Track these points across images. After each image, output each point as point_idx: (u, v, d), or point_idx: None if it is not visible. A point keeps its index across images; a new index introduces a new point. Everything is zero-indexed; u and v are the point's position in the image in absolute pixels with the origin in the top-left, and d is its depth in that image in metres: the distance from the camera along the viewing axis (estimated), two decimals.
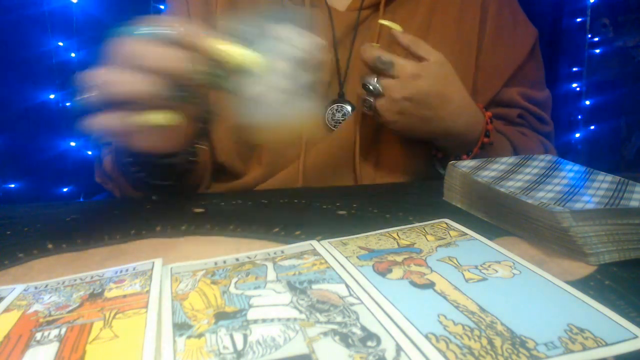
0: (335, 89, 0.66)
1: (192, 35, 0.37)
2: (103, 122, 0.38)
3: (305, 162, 0.63)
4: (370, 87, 0.56)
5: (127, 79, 0.36)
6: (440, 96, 0.57)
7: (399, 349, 0.23)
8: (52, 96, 1.62)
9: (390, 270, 0.32)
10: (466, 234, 0.37)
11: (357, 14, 0.66)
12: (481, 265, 0.32)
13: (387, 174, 0.65)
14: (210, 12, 0.68)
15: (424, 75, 0.55)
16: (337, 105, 0.65)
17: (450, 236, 0.37)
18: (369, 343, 0.24)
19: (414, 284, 0.30)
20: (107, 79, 0.36)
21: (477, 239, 0.36)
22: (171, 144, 0.48)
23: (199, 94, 0.39)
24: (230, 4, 0.68)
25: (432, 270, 0.31)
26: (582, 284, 0.31)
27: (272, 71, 0.38)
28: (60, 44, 1.61)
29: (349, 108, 0.65)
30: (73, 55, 1.61)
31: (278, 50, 0.38)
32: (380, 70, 0.55)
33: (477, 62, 0.68)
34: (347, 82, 0.66)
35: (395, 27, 0.58)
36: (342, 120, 0.65)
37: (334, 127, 0.65)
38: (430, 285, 0.30)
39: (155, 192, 0.55)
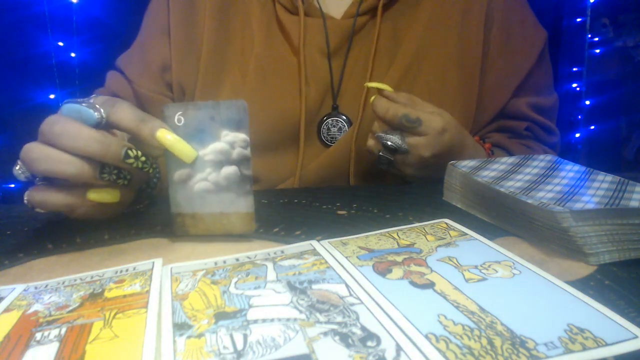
0: (329, 101, 0.64)
1: (126, 119, 0.37)
2: (42, 197, 0.38)
3: (301, 178, 0.62)
4: (394, 146, 0.53)
5: (57, 159, 0.36)
6: (460, 145, 0.56)
7: (399, 349, 0.23)
8: (52, 96, 1.62)
9: (390, 270, 0.32)
10: (466, 234, 0.37)
11: (353, 21, 0.64)
12: (481, 265, 0.32)
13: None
14: (195, 20, 0.65)
15: (448, 129, 0.53)
16: (332, 120, 0.63)
17: (450, 236, 0.37)
18: (369, 343, 0.24)
19: (414, 284, 0.30)
20: (36, 156, 0.36)
21: (477, 239, 0.36)
22: (119, 209, 0.45)
23: (131, 175, 0.39)
24: (219, 13, 0.65)
25: (432, 270, 0.31)
26: (582, 284, 0.31)
27: (202, 164, 0.39)
28: (60, 44, 1.61)
29: (344, 120, 0.63)
30: (73, 55, 1.61)
31: (215, 147, 0.39)
32: (405, 127, 0.53)
33: (482, 71, 0.66)
34: (342, 93, 0.64)
35: (386, 87, 0.55)
36: (338, 135, 0.63)
37: (330, 142, 0.63)
38: (430, 285, 0.30)
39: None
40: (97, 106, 0.37)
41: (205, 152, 0.39)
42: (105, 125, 0.38)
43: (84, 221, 0.45)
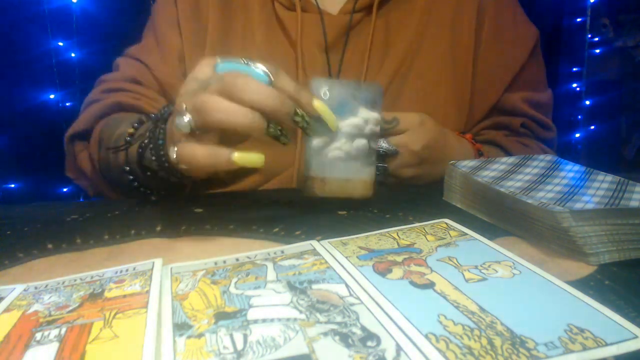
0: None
1: (289, 85, 0.40)
2: (193, 152, 0.39)
3: (300, 168, 0.63)
4: (383, 150, 0.54)
5: (230, 109, 0.37)
6: (444, 135, 0.57)
7: (399, 349, 0.23)
8: (52, 96, 1.62)
9: (390, 270, 0.32)
10: (466, 234, 0.37)
11: (350, 17, 0.65)
12: (481, 265, 0.32)
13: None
14: (200, 14, 0.67)
15: (426, 120, 0.55)
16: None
17: (450, 236, 0.37)
18: (369, 343, 0.24)
19: (414, 284, 0.30)
20: (209, 106, 0.37)
21: (477, 239, 0.36)
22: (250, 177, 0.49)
23: (290, 134, 0.41)
24: (222, 9, 0.67)
25: (432, 270, 0.31)
26: (582, 284, 0.31)
27: (339, 134, 0.44)
28: (60, 44, 1.61)
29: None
30: (73, 55, 1.61)
31: (352, 121, 0.45)
32: (385, 130, 0.54)
33: (475, 66, 0.67)
34: None
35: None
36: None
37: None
38: (430, 285, 0.30)
39: (142, 196, 0.54)
40: (264, 69, 0.40)
41: (343, 125, 0.45)
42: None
43: (83, 222, 0.45)
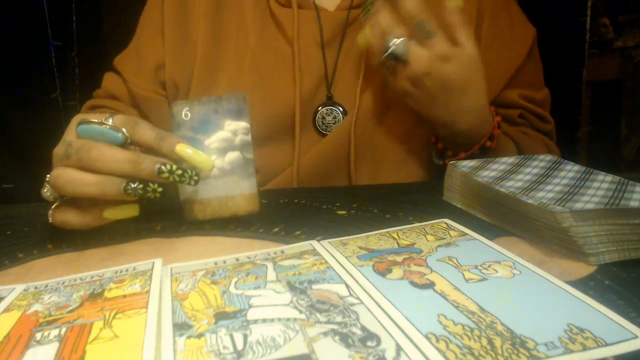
0: (323, 91, 0.65)
1: (148, 136, 0.40)
2: (64, 217, 0.41)
3: (299, 168, 0.63)
4: (396, 49, 0.52)
5: (80, 181, 0.38)
6: (458, 87, 0.55)
7: (399, 349, 0.23)
8: (52, 95, 1.62)
9: (390, 271, 0.32)
10: (466, 234, 0.37)
11: (347, 13, 0.65)
12: (481, 265, 0.32)
13: (383, 179, 0.64)
14: (189, 22, 0.67)
15: (452, 61, 0.53)
16: (327, 109, 0.64)
17: (450, 236, 0.37)
18: (369, 343, 0.24)
19: (414, 283, 0.30)
20: (62, 180, 0.38)
21: (477, 239, 0.36)
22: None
23: (165, 187, 0.40)
24: (213, 15, 0.66)
25: (432, 270, 0.31)
26: (582, 284, 0.31)
27: (208, 152, 0.43)
28: (58, 44, 1.61)
29: (339, 110, 0.64)
30: (73, 54, 1.61)
31: (220, 135, 0.43)
32: (414, 33, 0.52)
33: None
34: (335, 83, 0.65)
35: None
36: (333, 123, 0.64)
37: (325, 131, 0.64)
38: (430, 285, 0.30)
39: None
40: (120, 127, 0.40)
41: (211, 141, 0.43)
42: (128, 145, 0.40)
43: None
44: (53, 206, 0.41)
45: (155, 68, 0.67)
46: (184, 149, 0.40)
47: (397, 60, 0.54)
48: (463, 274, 0.31)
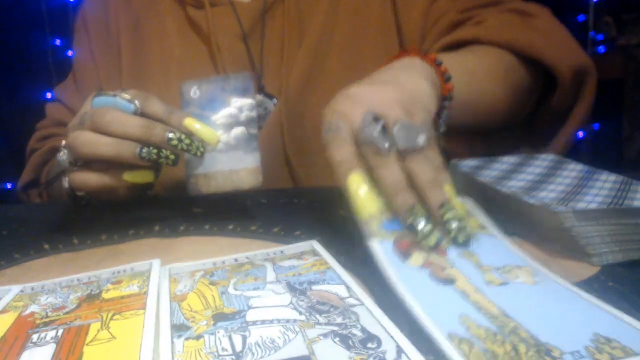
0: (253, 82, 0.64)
1: (158, 109, 0.42)
2: (83, 179, 0.43)
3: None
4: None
5: (96, 142, 0.41)
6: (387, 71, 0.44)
7: (399, 350, 0.23)
8: (49, 95, 1.62)
9: (409, 255, 0.31)
10: (485, 228, 0.36)
11: (263, 2, 0.64)
12: (502, 268, 0.31)
13: (325, 167, 0.61)
14: (110, 38, 0.68)
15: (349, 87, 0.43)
16: (258, 100, 0.63)
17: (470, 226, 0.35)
18: (369, 344, 0.24)
19: (434, 277, 0.29)
20: (78, 141, 0.41)
21: (495, 237, 0.35)
22: (139, 192, 0.49)
23: (177, 156, 0.43)
24: (133, 26, 0.67)
25: (452, 265, 0.31)
26: (586, 285, 0.30)
27: (214, 127, 0.44)
28: (58, 42, 1.61)
29: (271, 102, 0.63)
30: (70, 54, 1.61)
31: (226, 111, 0.45)
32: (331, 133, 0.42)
33: (400, 33, 0.64)
34: (264, 74, 0.64)
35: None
36: (263, 114, 0.63)
37: (258, 124, 0.63)
38: (451, 281, 0.29)
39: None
40: (132, 99, 0.42)
41: (217, 117, 0.44)
42: (140, 115, 0.42)
43: (80, 222, 0.45)
44: (69, 171, 0.43)
45: (96, 90, 0.68)
46: (191, 123, 0.42)
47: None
48: (484, 274, 0.30)
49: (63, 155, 0.43)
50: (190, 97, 0.45)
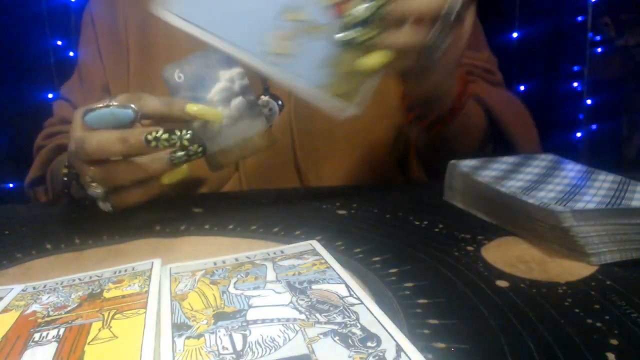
0: (258, 84, 0.62)
1: (156, 106, 0.42)
2: (124, 200, 0.43)
3: (246, 170, 0.61)
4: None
5: (128, 169, 0.41)
6: None
7: (399, 349, 0.23)
8: (50, 95, 1.62)
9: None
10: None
11: None
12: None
13: (334, 169, 0.62)
14: (119, 36, 0.67)
15: None
16: (263, 101, 0.63)
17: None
18: (369, 343, 0.24)
19: None
20: (110, 175, 0.41)
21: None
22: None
23: (204, 145, 0.42)
24: (141, 33, 0.67)
25: None
26: (584, 284, 0.31)
27: (213, 106, 0.44)
28: (59, 42, 1.61)
29: (276, 104, 0.63)
30: (71, 54, 1.61)
31: (218, 87, 0.44)
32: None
33: None
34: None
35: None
36: (268, 115, 0.62)
37: (268, 124, 0.62)
38: None
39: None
40: (128, 104, 0.41)
41: (212, 95, 0.44)
42: (139, 120, 0.42)
43: (82, 221, 0.45)
44: (102, 197, 0.43)
45: (101, 90, 0.68)
46: (192, 108, 0.42)
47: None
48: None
49: (95, 188, 0.42)
50: (176, 82, 0.44)
